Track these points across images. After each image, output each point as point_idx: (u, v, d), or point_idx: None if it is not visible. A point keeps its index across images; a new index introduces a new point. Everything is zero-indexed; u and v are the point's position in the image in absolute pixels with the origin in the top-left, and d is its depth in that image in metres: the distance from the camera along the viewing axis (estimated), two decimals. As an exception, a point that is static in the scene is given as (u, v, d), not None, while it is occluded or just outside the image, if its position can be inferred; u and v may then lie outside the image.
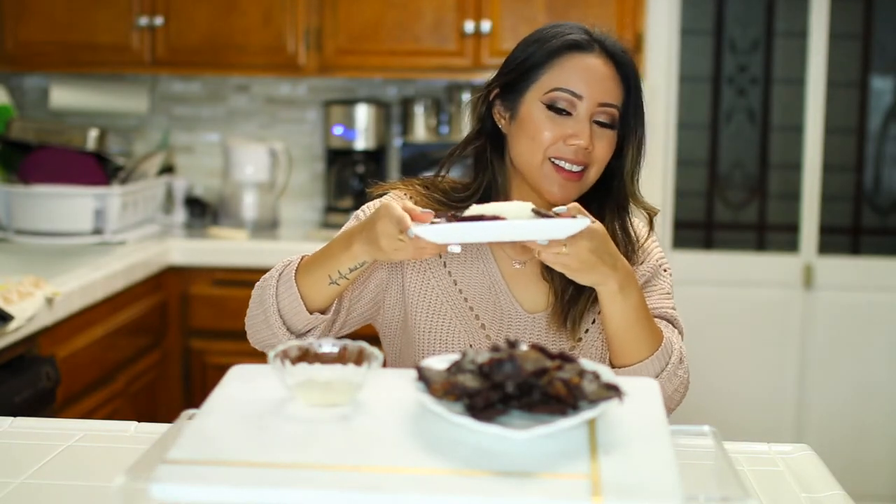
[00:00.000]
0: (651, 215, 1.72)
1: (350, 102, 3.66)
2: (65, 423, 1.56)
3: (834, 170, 3.82)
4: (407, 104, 3.71)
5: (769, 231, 3.88)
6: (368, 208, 1.72)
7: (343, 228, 1.68)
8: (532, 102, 1.63)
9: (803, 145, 3.78)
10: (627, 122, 1.67)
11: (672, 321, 1.69)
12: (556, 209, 1.47)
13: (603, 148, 1.63)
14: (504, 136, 1.69)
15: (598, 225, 1.45)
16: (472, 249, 1.70)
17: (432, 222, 1.41)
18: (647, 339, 1.55)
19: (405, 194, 1.70)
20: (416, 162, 3.62)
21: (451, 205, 1.69)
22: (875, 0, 3.79)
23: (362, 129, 3.64)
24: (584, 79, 1.61)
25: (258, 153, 3.67)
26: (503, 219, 1.36)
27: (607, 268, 1.46)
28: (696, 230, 3.91)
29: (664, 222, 3.82)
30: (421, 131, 3.68)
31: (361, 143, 3.66)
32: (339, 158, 3.71)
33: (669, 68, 3.78)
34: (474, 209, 1.41)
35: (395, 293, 1.71)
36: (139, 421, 1.57)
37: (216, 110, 3.87)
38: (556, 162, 1.61)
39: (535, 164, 1.62)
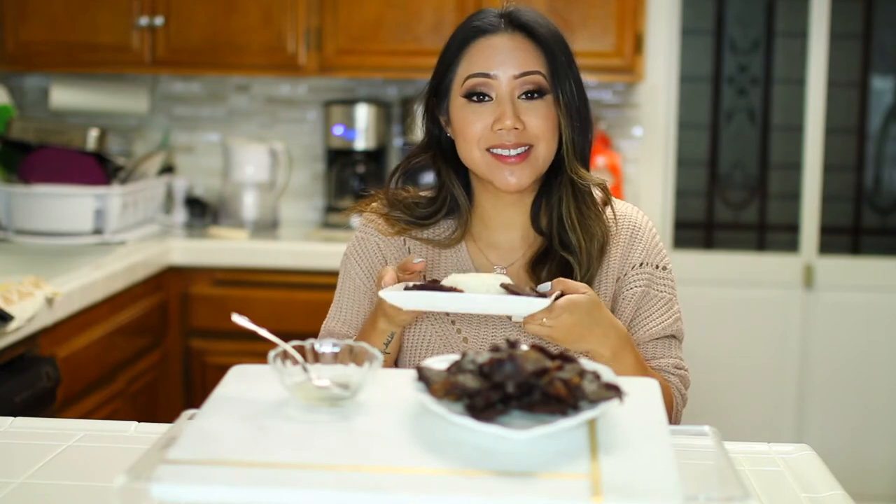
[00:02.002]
0: (601, 188, 1.67)
1: (350, 102, 3.66)
2: (65, 423, 1.56)
3: (834, 170, 3.82)
4: (407, 104, 3.71)
5: (769, 231, 3.88)
6: (351, 242, 1.73)
7: (340, 273, 1.73)
8: (456, 99, 1.61)
9: (803, 145, 3.78)
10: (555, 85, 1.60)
11: (675, 335, 1.67)
12: (540, 286, 1.47)
13: (537, 119, 1.57)
14: (453, 140, 1.66)
15: (581, 297, 1.42)
16: (448, 255, 1.69)
17: (410, 286, 1.44)
18: None
19: (372, 219, 1.71)
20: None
21: (416, 222, 1.68)
22: (875, 0, 3.79)
23: (362, 129, 3.64)
24: (492, 57, 1.58)
25: (258, 153, 3.67)
26: (460, 291, 1.39)
27: (596, 338, 1.45)
28: (697, 230, 3.91)
29: (664, 222, 3.83)
30: (421, 131, 3.68)
31: (361, 143, 3.66)
32: (339, 158, 3.71)
33: (669, 68, 3.78)
34: (454, 277, 1.44)
35: None
36: (139, 421, 1.56)
37: (216, 110, 3.88)
38: (495, 151, 1.58)
39: (477, 159, 1.59)
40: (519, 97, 1.58)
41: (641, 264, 1.65)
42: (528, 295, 1.40)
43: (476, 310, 1.42)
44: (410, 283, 1.44)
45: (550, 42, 1.59)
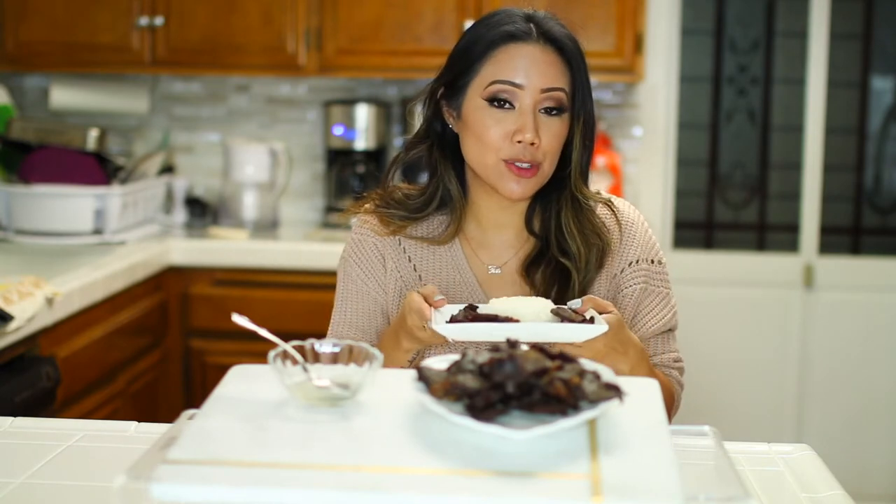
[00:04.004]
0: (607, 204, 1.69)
1: (350, 102, 3.66)
2: (65, 423, 1.56)
3: (834, 170, 3.82)
4: (407, 104, 3.71)
5: (769, 231, 3.88)
6: (348, 244, 1.73)
7: (338, 276, 1.72)
8: (474, 99, 1.60)
9: (803, 145, 3.78)
10: (575, 104, 1.61)
11: (672, 328, 1.69)
12: (570, 303, 1.49)
13: (551, 138, 1.58)
14: (457, 135, 1.65)
15: (611, 317, 1.45)
16: (442, 253, 1.68)
17: (453, 318, 1.44)
18: None
19: (366, 220, 1.71)
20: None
21: (409, 216, 1.68)
22: (875, 0, 3.79)
23: (362, 129, 3.64)
24: (522, 68, 1.57)
25: (258, 153, 3.67)
26: (517, 320, 1.39)
27: (618, 355, 1.48)
28: (697, 230, 3.91)
29: (664, 222, 3.82)
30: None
31: (361, 143, 3.66)
32: (339, 158, 3.71)
33: (669, 68, 3.78)
34: (493, 304, 1.43)
35: (384, 319, 1.70)
36: (139, 421, 1.56)
37: (216, 110, 3.88)
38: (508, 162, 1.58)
39: (489, 165, 1.59)
40: (539, 111, 1.58)
41: (638, 261, 1.67)
42: (576, 321, 1.41)
43: (534, 339, 1.41)
44: (456, 312, 1.44)
45: (579, 60, 1.60)
